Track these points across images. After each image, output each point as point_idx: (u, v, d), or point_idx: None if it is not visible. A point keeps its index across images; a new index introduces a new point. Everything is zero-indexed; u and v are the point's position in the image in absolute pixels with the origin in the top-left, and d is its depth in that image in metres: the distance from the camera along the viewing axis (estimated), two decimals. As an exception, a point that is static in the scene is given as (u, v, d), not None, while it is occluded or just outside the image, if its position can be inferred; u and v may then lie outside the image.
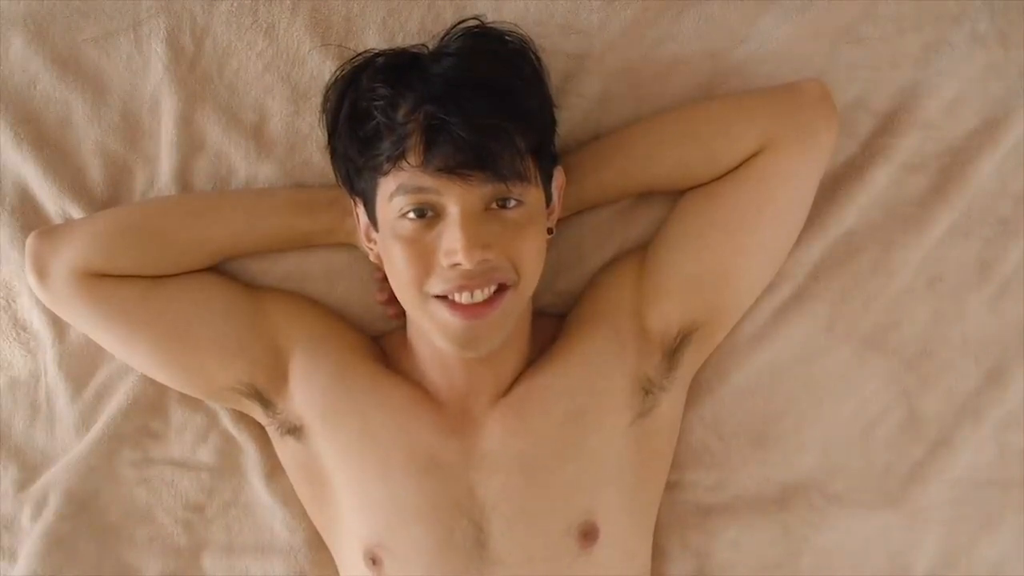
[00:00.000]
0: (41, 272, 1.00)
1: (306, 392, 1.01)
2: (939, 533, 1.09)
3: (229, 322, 1.01)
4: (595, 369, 0.99)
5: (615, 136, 1.04)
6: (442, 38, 0.95)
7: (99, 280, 1.00)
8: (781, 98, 1.00)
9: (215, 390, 1.03)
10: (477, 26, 0.94)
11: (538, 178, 0.92)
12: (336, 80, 0.96)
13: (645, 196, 1.07)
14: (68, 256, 0.99)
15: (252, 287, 1.06)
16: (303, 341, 1.02)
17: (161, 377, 1.04)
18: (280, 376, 1.01)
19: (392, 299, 1.04)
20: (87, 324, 1.02)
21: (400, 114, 0.89)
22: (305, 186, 1.07)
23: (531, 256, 0.92)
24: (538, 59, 0.96)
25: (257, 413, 1.04)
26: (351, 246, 1.05)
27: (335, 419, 1.00)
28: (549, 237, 0.97)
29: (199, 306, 1.01)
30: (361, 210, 0.97)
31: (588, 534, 0.95)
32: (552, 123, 0.98)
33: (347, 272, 1.08)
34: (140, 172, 1.08)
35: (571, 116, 1.06)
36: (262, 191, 1.06)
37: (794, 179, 0.99)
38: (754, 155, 0.98)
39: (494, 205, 0.90)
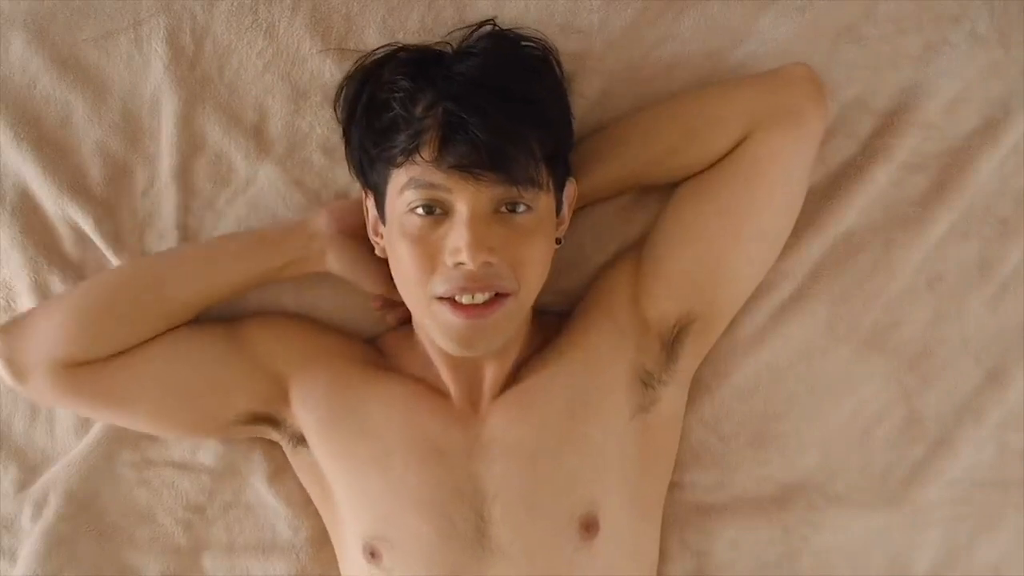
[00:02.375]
0: (20, 375, 0.99)
1: (307, 405, 1.01)
2: (939, 533, 1.09)
3: (219, 366, 1.01)
4: (596, 361, 0.99)
5: (611, 130, 1.04)
6: (465, 37, 0.95)
7: (80, 370, 0.98)
8: (765, 82, 1.00)
9: (222, 428, 1.03)
10: (502, 29, 0.94)
11: (550, 186, 0.92)
12: (357, 70, 0.96)
13: (645, 195, 1.07)
14: (44, 354, 0.98)
15: (232, 323, 1.05)
16: (297, 359, 1.02)
17: (168, 434, 1.05)
18: (281, 398, 1.02)
19: (388, 305, 1.04)
20: (80, 411, 1.02)
21: (419, 108, 0.89)
22: (266, 225, 1.06)
23: (534, 264, 0.92)
24: (561, 68, 0.96)
25: (270, 434, 1.04)
26: None
27: (334, 424, 1.00)
28: (557, 247, 0.97)
29: (186, 362, 1.00)
30: (371, 203, 0.97)
31: (589, 526, 0.95)
32: (570, 133, 0.98)
33: (340, 280, 1.06)
34: (140, 172, 1.08)
35: (571, 116, 1.06)
36: (222, 239, 1.05)
37: (783, 159, 0.98)
38: (744, 141, 0.98)
39: (503, 209, 0.89)
